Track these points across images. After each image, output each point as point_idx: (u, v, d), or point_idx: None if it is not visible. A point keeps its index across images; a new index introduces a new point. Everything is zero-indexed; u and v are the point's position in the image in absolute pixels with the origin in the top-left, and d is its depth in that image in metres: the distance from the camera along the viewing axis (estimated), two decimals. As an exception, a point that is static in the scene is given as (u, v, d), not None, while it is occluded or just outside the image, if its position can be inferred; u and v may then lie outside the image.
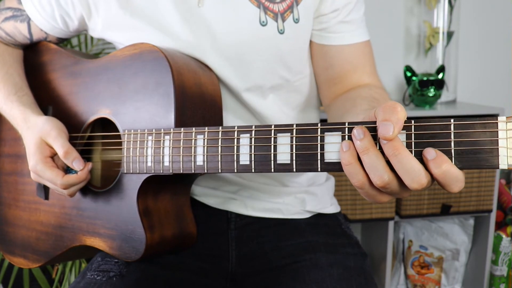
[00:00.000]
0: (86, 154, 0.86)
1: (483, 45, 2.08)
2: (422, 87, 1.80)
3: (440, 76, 1.83)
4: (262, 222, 0.89)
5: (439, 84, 1.80)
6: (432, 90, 1.79)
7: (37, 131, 0.79)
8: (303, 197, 0.91)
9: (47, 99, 0.90)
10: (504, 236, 1.86)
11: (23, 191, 0.94)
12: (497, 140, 0.45)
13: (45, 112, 0.88)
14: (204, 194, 0.89)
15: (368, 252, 2.01)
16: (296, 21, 0.81)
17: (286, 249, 0.86)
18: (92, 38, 1.72)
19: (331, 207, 0.94)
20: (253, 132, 0.58)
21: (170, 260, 0.83)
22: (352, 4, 0.83)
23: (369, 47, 0.87)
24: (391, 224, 1.78)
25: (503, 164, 0.45)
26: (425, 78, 1.80)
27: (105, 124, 0.85)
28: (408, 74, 1.86)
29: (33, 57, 0.95)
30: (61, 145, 0.77)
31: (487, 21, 2.06)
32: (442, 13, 1.91)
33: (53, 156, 0.80)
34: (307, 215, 0.91)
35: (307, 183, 0.93)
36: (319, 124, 0.54)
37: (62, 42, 0.95)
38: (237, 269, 0.87)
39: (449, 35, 1.93)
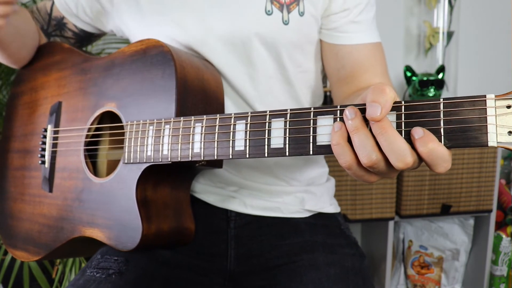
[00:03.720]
0: (94, 145, 0.88)
1: (483, 45, 2.09)
2: (422, 87, 1.80)
3: (440, 76, 1.83)
4: (261, 221, 0.89)
5: (439, 84, 1.81)
6: (432, 90, 1.79)
7: None
8: (303, 197, 0.92)
9: (59, 95, 0.93)
10: (504, 236, 1.87)
11: (29, 185, 0.95)
12: (486, 117, 0.45)
13: (56, 107, 0.91)
14: (204, 191, 0.89)
15: (368, 252, 2.01)
16: (301, 14, 0.82)
17: (284, 248, 0.87)
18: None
19: (331, 207, 0.95)
20: (249, 118, 0.60)
21: (169, 258, 0.84)
22: (362, 5, 0.84)
23: (381, 50, 0.88)
24: (391, 224, 1.78)
25: (492, 141, 0.45)
26: (425, 78, 1.81)
27: (115, 119, 0.86)
28: (408, 74, 1.86)
29: (48, 57, 0.98)
30: None
31: (487, 21, 2.07)
32: (442, 13, 1.92)
33: None
34: (307, 214, 0.92)
35: (307, 182, 0.94)
36: (312, 108, 0.55)
37: (82, 36, 0.99)
38: (235, 268, 0.87)
39: (449, 35, 1.93)
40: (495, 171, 1.74)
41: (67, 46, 0.95)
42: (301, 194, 0.92)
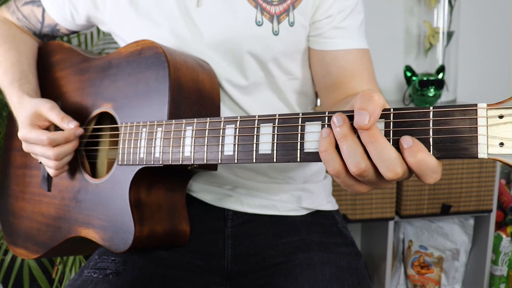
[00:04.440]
0: (91, 147, 0.88)
1: (483, 45, 2.08)
2: (422, 87, 1.80)
3: (440, 76, 1.83)
4: (258, 219, 0.90)
5: (439, 84, 1.81)
6: (432, 90, 1.79)
7: (30, 107, 0.82)
8: (299, 194, 0.92)
9: (57, 95, 0.93)
10: (504, 236, 1.86)
11: (30, 183, 0.96)
12: (476, 127, 0.43)
13: None
14: (201, 190, 0.90)
15: (368, 252, 2.01)
16: (291, 24, 0.83)
17: (280, 247, 0.87)
18: (92, 37, 1.73)
19: (328, 204, 0.95)
20: (238, 122, 0.60)
21: (167, 257, 0.84)
22: (346, 11, 0.84)
23: (367, 56, 0.87)
24: (391, 224, 1.78)
25: (482, 153, 0.43)
26: (425, 78, 1.80)
27: (113, 119, 0.86)
28: (408, 74, 1.86)
29: (48, 57, 0.99)
30: (57, 113, 0.80)
31: (487, 21, 2.06)
32: (442, 13, 1.91)
33: (45, 128, 0.82)
34: (303, 212, 0.92)
35: (303, 180, 0.94)
36: (300, 114, 0.54)
37: (73, 33, 1.01)
38: (232, 267, 0.87)
39: (449, 35, 1.93)
40: (495, 171, 1.74)
41: (67, 46, 0.96)
42: (298, 192, 0.92)
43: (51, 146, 0.79)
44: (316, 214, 0.93)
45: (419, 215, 1.76)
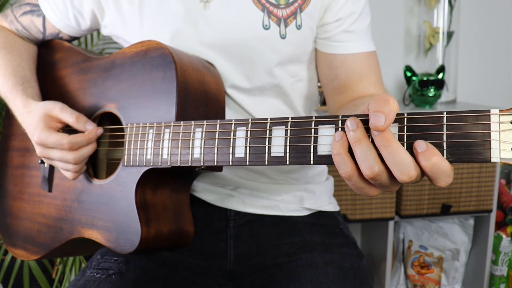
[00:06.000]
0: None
1: (483, 45, 2.09)
2: (422, 87, 1.80)
3: (440, 76, 1.83)
4: (260, 220, 0.90)
5: (439, 84, 1.81)
6: (432, 90, 1.79)
7: (39, 110, 0.80)
8: (301, 195, 0.92)
9: (58, 95, 0.92)
10: (504, 236, 1.87)
11: (29, 184, 0.95)
12: (489, 132, 0.45)
13: None
14: (204, 190, 0.90)
15: (368, 252, 2.01)
16: (299, 27, 0.83)
17: (283, 247, 0.87)
18: (92, 37, 1.73)
19: (330, 205, 0.95)
20: (250, 125, 0.60)
21: (169, 258, 0.84)
22: (356, 15, 0.84)
23: (375, 59, 0.88)
24: (391, 224, 1.78)
25: (495, 158, 0.45)
26: (425, 78, 1.81)
27: (114, 120, 0.86)
28: (408, 74, 1.86)
29: (47, 55, 0.98)
30: (70, 113, 0.79)
31: (487, 21, 2.07)
32: (442, 13, 1.91)
33: (58, 130, 0.81)
34: (305, 212, 0.92)
35: (306, 181, 0.94)
36: (313, 117, 0.55)
37: (74, 39, 0.99)
38: (234, 267, 0.87)
39: (449, 35, 1.93)
40: (495, 171, 1.74)
41: (67, 45, 0.95)
42: (300, 192, 0.92)
43: (71, 150, 0.77)
44: (318, 215, 0.93)
45: (419, 215, 1.77)
